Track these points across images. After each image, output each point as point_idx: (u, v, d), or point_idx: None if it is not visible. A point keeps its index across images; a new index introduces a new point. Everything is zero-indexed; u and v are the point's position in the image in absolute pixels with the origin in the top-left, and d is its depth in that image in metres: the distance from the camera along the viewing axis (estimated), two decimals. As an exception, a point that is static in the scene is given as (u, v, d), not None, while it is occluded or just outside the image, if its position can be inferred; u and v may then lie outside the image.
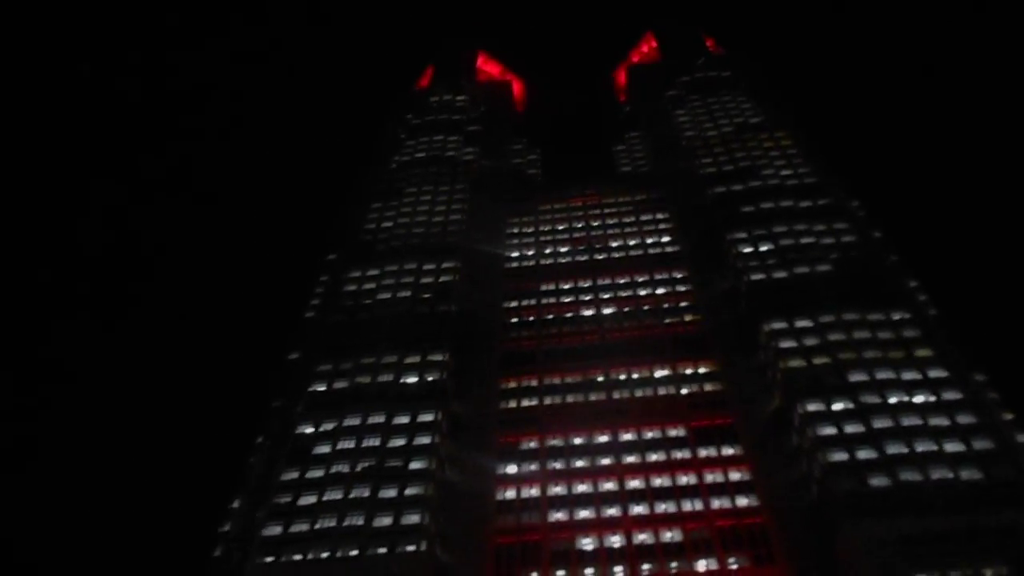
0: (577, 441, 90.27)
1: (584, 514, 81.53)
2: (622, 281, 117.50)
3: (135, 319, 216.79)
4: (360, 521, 76.42)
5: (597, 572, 75.40)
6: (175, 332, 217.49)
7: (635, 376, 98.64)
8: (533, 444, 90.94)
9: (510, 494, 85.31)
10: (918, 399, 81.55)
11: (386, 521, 76.14)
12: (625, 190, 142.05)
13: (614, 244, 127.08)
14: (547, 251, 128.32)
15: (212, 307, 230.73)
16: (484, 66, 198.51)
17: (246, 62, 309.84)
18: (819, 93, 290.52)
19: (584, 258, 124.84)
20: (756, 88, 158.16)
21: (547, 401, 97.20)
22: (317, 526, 76.28)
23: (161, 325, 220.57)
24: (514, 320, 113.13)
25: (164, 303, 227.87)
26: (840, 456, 76.30)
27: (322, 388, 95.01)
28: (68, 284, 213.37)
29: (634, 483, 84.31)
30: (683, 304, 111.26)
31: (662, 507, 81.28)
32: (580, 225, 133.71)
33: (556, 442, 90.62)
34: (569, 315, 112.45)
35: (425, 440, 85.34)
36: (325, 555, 73.38)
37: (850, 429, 79.08)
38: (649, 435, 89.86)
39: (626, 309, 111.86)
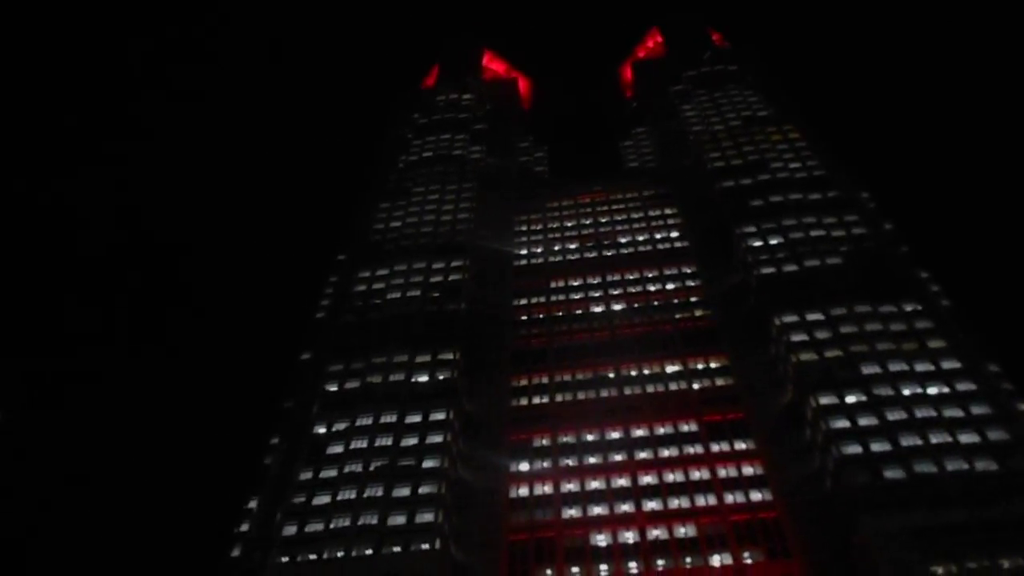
0: (589, 438, 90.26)
1: (597, 510, 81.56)
2: (631, 277, 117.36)
3: (149, 322, 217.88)
4: (374, 520, 76.65)
5: (611, 568, 75.44)
6: (188, 334, 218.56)
7: (646, 372, 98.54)
8: (545, 441, 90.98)
9: (523, 491, 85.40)
10: (932, 390, 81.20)
11: (400, 520, 76.44)
12: (633, 186, 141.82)
13: (623, 240, 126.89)
14: (556, 248, 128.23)
15: (223, 309, 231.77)
16: (490, 64, 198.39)
17: (253, 65, 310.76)
18: (826, 85, 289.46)
19: (593, 255, 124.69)
20: (763, 81, 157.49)
21: (558, 398, 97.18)
22: (332, 525, 76.59)
23: (174, 328, 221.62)
24: (524, 318, 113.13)
25: (176, 306, 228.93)
26: (854, 449, 76.09)
27: (334, 388, 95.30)
28: (83, 286, 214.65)
29: (647, 479, 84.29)
30: (693, 299, 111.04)
31: (676, 502, 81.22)
32: (588, 222, 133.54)
33: (568, 439, 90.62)
34: (579, 312, 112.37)
35: (437, 439, 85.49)
36: (340, 554, 73.61)
37: (864, 422, 78.83)
38: (661, 431, 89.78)
39: (636, 305, 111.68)
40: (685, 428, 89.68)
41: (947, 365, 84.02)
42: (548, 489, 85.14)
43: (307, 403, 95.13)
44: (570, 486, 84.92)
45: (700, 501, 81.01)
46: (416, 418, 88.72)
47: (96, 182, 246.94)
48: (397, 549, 73.54)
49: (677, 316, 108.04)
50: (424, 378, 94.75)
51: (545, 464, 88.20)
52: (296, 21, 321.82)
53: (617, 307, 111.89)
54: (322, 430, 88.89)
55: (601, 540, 78.33)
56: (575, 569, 75.92)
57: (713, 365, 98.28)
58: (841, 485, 73.94)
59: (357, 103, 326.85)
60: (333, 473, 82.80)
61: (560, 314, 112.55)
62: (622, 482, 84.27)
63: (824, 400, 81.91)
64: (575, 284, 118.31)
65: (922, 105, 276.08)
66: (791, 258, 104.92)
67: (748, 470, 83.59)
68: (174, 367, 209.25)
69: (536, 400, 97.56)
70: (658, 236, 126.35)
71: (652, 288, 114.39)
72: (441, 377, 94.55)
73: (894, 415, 78.87)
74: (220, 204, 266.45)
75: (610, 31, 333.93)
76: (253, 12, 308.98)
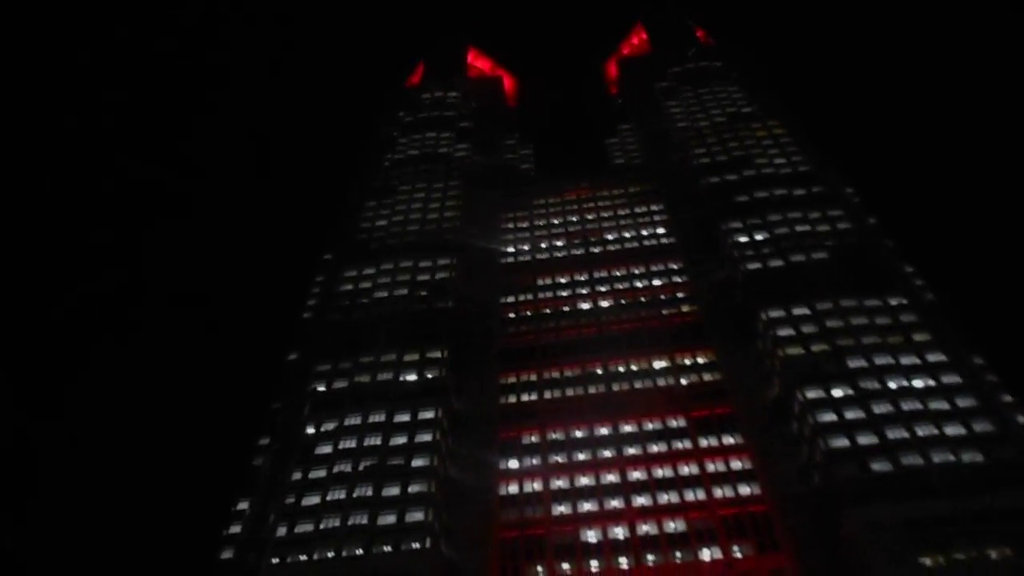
0: (578, 434, 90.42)
1: (587, 507, 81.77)
2: (618, 273, 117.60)
3: (134, 323, 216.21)
4: (364, 520, 76.43)
5: (602, 564, 75.62)
6: (174, 335, 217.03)
7: (634, 368, 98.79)
8: (534, 438, 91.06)
9: (513, 489, 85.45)
10: (918, 383, 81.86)
11: (390, 519, 76.24)
12: (619, 182, 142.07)
13: (609, 237, 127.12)
14: (543, 245, 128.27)
15: (210, 309, 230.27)
16: (475, 62, 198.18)
17: (238, 64, 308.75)
18: (811, 81, 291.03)
19: (580, 251, 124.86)
20: (747, 78, 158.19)
21: (547, 395, 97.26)
22: (322, 526, 76.29)
23: (159, 329, 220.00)
24: (511, 315, 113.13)
25: (161, 306, 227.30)
26: (841, 442, 76.62)
27: (322, 388, 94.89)
28: (70, 283, 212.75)
29: (636, 475, 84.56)
30: (680, 295, 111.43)
31: (665, 498, 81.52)
32: (575, 219, 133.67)
33: (557, 436, 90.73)
34: (566, 309, 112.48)
35: (426, 437, 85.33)
36: (331, 554, 73.35)
37: (850, 415, 79.39)
38: (650, 426, 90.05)
39: (623, 301, 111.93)
40: (673, 424, 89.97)
41: (932, 358, 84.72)
42: (538, 486, 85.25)
43: (295, 404, 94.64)
44: (559, 483, 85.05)
45: (689, 496, 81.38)
46: (405, 417, 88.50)
47: (85, 179, 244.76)
48: (388, 548, 73.36)
49: (664, 312, 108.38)
50: (412, 377, 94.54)
51: (534, 461, 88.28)
52: (281, 21, 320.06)
53: (604, 304, 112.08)
54: (311, 430, 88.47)
55: (591, 536, 78.53)
56: (565, 565, 76.08)
57: (700, 360, 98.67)
58: (829, 478, 74.42)
59: (342, 102, 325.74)
60: (322, 473, 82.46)
61: (548, 311, 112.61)
62: (611, 478, 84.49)
63: (811, 394, 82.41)
64: (562, 281, 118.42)
65: (905, 100, 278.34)
66: (777, 253, 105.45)
67: (736, 464, 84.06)
68: (160, 368, 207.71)
69: (525, 397, 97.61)
70: (644, 232, 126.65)
71: (639, 284, 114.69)
72: (429, 376, 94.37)
73: (880, 408, 79.46)
74: (206, 204, 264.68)
75: (595, 28, 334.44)
76: (238, 13, 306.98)
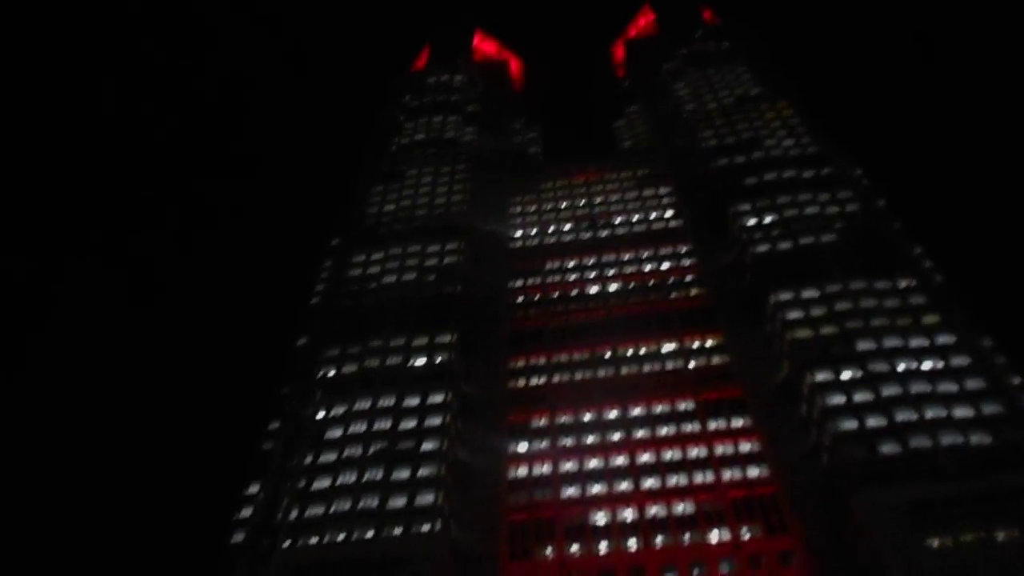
0: (587, 417, 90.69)
1: (596, 489, 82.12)
2: (626, 257, 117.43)
3: (140, 308, 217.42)
4: (375, 503, 77.09)
5: (611, 546, 76.10)
6: (183, 321, 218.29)
7: (642, 351, 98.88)
8: (543, 422, 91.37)
9: (522, 472, 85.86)
10: (926, 366, 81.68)
11: (400, 502, 76.80)
12: (627, 165, 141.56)
13: (617, 220, 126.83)
14: (551, 229, 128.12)
15: (219, 295, 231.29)
16: (480, 45, 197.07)
17: (243, 50, 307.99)
18: (819, 62, 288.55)
19: (588, 235, 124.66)
20: (755, 59, 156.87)
21: (556, 379, 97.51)
22: (333, 509, 76.95)
23: (168, 314, 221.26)
24: (520, 299, 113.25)
25: (171, 292, 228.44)
26: (850, 425, 76.65)
27: (331, 373, 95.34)
28: (77, 268, 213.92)
29: (645, 457, 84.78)
30: (688, 278, 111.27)
31: (673, 480, 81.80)
32: (583, 202, 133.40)
33: (566, 419, 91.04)
34: (575, 292, 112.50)
35: (436, 421, 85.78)
36: (341, 537, 74.05)
37: (859, 398, 79.34)
38: (658, 409, 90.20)
39: (631, 285, 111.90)
40: (682, 406, 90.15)
41: (942, 340, 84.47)
42: (547, 469, 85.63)
43: (305, 388, 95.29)
44: (568, 466, 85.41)
45: (698, 478, 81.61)
46: (414, 401, 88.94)
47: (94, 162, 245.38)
48: (398, 531, 73.99)
49: (672, 295, 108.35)
50: (421, 361, 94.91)
51: (543, 444, 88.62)
52: (287, 6, 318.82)
53: (613, 287, 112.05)
54: (320, 415, 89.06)
55: (600, 518, 78.95)
56: (575, 547, 76.58)
57: (709, 343, 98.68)
58: (837, 460, 74.56)
59: (348, 87, 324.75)
60: (332, 457, 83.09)
61: (556, 295, 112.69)
62: (620, 461, 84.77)
63: (820, 377, 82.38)
64: (570, 265, 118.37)
65: (914, 81, 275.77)
66: (786, 236, 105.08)
67: (745, 447, 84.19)
68: (170, 352, 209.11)
69: (534, 381, 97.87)
70: (652, 216, 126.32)
71: (647, 268, 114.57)
72: (438, 360, 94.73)
73: (889, 391, 79.37)
74: (213, 191, 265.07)
75: (601, 10, 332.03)
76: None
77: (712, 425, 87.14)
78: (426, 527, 73.95)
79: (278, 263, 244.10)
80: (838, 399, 79.61)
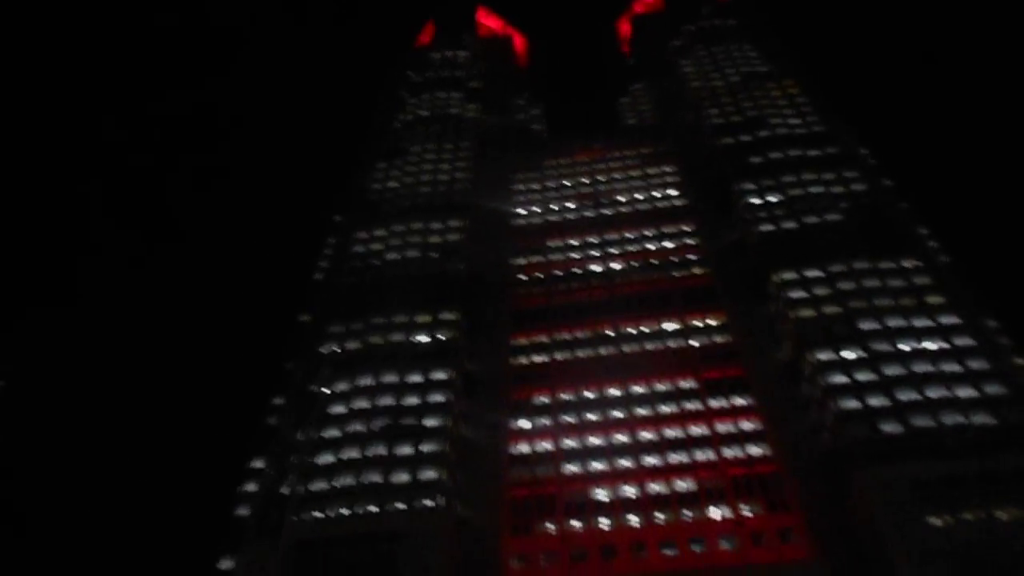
0: (589, 395, 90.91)
1: (598, 466, 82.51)
2: (630, 235, 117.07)
3: (146, 286, 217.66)
4: (378, 478, 77.55)
5: (612, 522, 76.60)
6: (187, 297, 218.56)
7: (645, 330, 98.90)
8: (545, 399, 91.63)
9: (524, 448, 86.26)
10: (930, 346, 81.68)
11: (404, 478, 77.26)
12: (631, 143, 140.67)
13: (621, 198, 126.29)
14: (554, 207, 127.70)
15: (222, 272, 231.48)
16: (484, 20, 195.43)
17: (247, 25, 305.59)
18: (826, 40, 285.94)
19: (591, 213, 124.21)
20: (762, 36, 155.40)
21: (558, 356, 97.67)
22: (336, 484, 77.42)
23: (173, 291, 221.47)
24: (523, 277, 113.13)
25: (173, 267, 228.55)
26: (852, 404, 76.80)
27: (335, 349, 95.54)
28: (82, 243, 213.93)
29: (646, 435, 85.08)
30: (691, 257, 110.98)
31: (675, 457, 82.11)
32: (586, 180, 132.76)
33: (568, 396, 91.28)
34: (578, 271, 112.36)
35: (439, 398, 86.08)
36: (345, 512, 74.55)
37: (861, 377, 79.43)
38: (660, 387, 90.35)
39: (634, 263, 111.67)
40: (684, 385, 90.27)
41: (945, 321, 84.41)
42: (549, 446, 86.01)
43: (308, 364, 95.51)
44: (570, 442, 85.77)
45: (699, 456, 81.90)
46: (417, 378, 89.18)
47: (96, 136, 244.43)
48: (401, 506, 74.47)
49: (676, 274, 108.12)
50: (424, 338, 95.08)
51: (545, 421, 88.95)
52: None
53: (616, 265, 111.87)
54: (324, 391, 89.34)
55: (601, 495, 79.41)
56: (576, 523, 77.11)
57: (712, 322, 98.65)
58: (839, 439, 74.83)
59: (351, 62, 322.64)
60: (336, 433, 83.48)
61: (559, 273, 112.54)
62: (622, 438, 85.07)
63: (822, 356, 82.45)
64: (574, 243, 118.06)
65: (921, 60, 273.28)
66: (790, 215, 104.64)
67: (746, 425, 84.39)
68: (175, 330, 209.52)
69: (536, 359, 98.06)
70: (656, 194, 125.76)
71: (651, 246, 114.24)
72: (442, 337, 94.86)
73: (892, 370, 79.45)
74: (216, 166, 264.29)
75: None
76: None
77: (713, 403, 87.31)
78: (429, 502, 74.46)
79: (281, 239, 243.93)
80: (840, 378, 79.72)
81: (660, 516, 76.44)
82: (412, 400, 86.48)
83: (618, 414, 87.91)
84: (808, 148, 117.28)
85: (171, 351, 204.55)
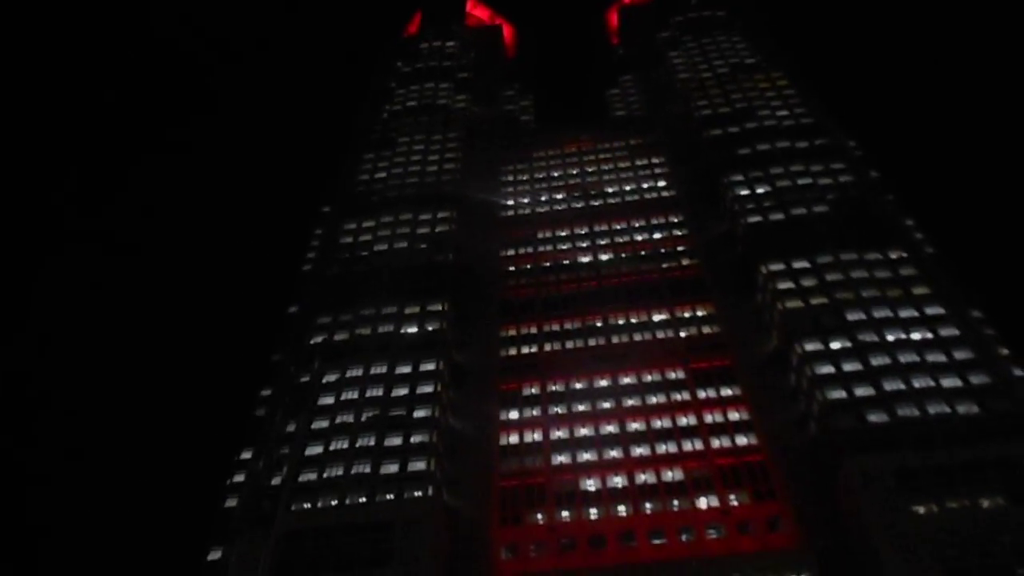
0: (578, 386, 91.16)
1: (586, 456, 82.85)
2: (618, 227, 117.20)
3: (133, 277, 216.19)
4: (367, 469, 77.53)
5: (600, 512, 76.94)
6: (176, 289, 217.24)
7: (633, 320, 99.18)
8: (534, 390, 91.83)
9: (513, 439, 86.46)
10: (915, 336, 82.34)
11: (393, 468, 77.31)
12: (620, 135, 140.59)
13: (610, 190, 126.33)
14: (543, 198, 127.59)
15: (211, 263, 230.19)
16: (473, 10, 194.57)
17: (235, 17, 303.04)
18: (815, 32, 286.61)
19: (580, 204, 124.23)
20: (751, 28, 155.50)
21: (547, 347, 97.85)
22: (326, 475, 77.35)
23: (161, 283, 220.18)
24: (512, 268, 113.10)
25: (161, 258, 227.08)
26: (838, 394, 77.34)
27: (323, 340, 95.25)
28: (64, 232, 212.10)
29: (635, 425, 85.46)
30: (680, 248, 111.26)
31: (663, 448, 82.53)
32: (575, 171, 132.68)
33: (557, 387, 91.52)
34: (566, 262, 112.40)
35: (428, 389, 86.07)
36: (334, 503, 74.52)
37: (848, 367, 79.99)
38: (649, 378, 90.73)
39: (623, 254, 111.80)
40: (672, 375, 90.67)
41: (931, 311, 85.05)
42: (538, 436, 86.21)
43: (296, 356, 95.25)
44: (559, 433, 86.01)
45: (687, 446, 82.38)
46: (406, 369, 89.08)
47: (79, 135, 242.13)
48: (390, 497, 74.51)
49: (664, 265, 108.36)
50: (413, 329, 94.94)
51: (534, 412, 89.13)
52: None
53: (604, 257, 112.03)
54: (313, 382, 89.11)
55: (590, 485, 79.74)
56: (565, 513, 77.41)
57: (700, 313, 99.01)
58: (826, 429, 75.38)
59: (339, 52, 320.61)
60: (325, 424, 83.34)
61: (548, 264, 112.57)
62: (610, 429, 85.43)
63: (809, 346, 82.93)
64: (562, 234, 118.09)
65: (910, 53, 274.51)
66: (778, 206, 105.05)
67: (734, 415, 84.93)
68: (163, 322, 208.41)
69: (525, 349, 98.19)
70: (645, 185, 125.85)
71: (639, 237, 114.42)
72: (430, 328, 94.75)
73: (878, 360, 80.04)
74: (203, 158, 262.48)
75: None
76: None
77: (702, 394, 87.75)
78: (418, 493, 74.50)
79: (269, 230, 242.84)
80: (827, 368, 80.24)
81: (648, 506, 76.91)
82: (401, 391, 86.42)
83: (607, 405, 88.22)
84: (796, 140, 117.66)
85: (158, 342, 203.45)
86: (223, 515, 79.63)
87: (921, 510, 65.38)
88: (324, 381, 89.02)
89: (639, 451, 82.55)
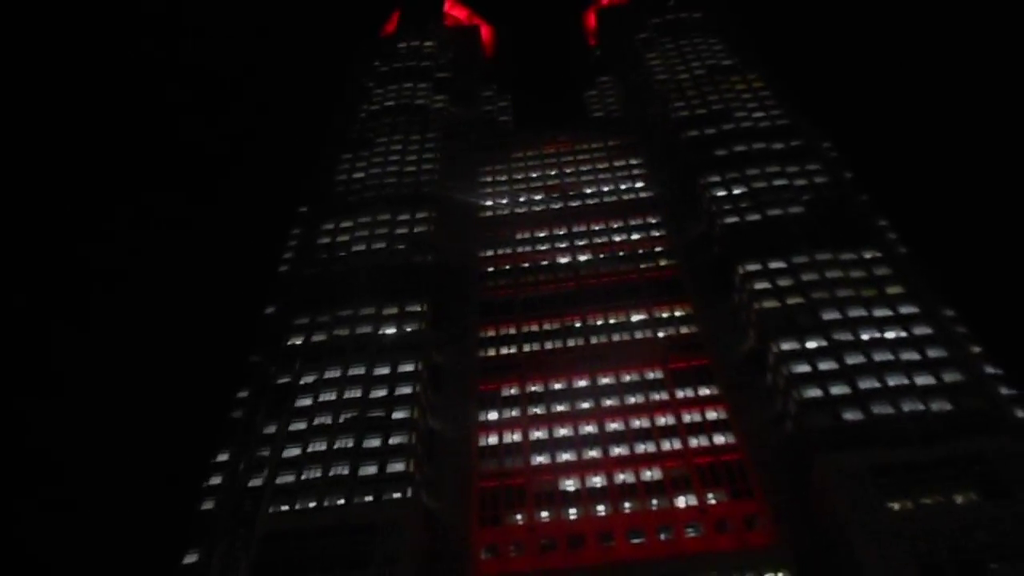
0: (557, 386, 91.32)
1: (566, 457, 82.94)
2: (597, 227, 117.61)
3: (107, 277, 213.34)
4: (346, 471, 77.07)
5: (580, 512, 77.08)
6: (151, 288, 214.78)
7: (612, 321, 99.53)
8: (514, 391, 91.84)
9: (492, 440, 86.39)
10: (889, 335, 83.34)
11: (371, 470, 76.86)
12: (598, 136, 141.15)
13: (588, 191, 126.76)
14: (521, 199, 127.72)
15: (186, 264, 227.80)
16: (451, 11, 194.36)
17: (212, 14, 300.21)
18: (790, 34, 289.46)
19: (558, 205, 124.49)
20: (727, 29, 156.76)
21: (526, 348, 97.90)
22: (304, 477, 76.79)
23: (134, 282, 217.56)
24: (490, 269, 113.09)
25: (134, 259, 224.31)
26: (814, 392, 78.07)
27: (300, 342, 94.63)
28: (50, 247, 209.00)
29: (614, 425, 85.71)
30: (658, 249, 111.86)
31: (641, 447, 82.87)
32: (553, 172, 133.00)
33: (536, 388, 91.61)
34: (545, 263, 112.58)
35: (406, 390, 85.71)
36: (312, 505, 74.03)
37: (823, 366, 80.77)
38: (627, 378, 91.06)
39: (602, 255, 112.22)
40: (651, 375, 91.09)
41: (904, 310, 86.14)
42: (517, 437, 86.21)
43: (274, 357, 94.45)
44: (538, 434, 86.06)
45: (665, 446, 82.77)
46: (384, 370, 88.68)
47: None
48: (369, 498, 74.10)
49: (642, 266, 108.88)
50: (392, 330, 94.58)
51: (514, 413, 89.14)
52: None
53: (583, 257, 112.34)
54: (290, 383, 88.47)
55: (569, 485, 79.86)
56: (544, 513, 77.45)
57: (678, 313, 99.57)
58: (802, 427, 76.08)
59: (316, 51, 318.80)
60: (302, 426, 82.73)
61: (526, 265, 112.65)
62: (589, 429, 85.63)
63: (785, 346, 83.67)
64: (541, 235, 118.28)
65: (883, 53, 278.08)
66: (754, 207, 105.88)
67: (712, 415, 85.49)
68: (138, 321, 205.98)
69: (504, 350, 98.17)
70: (623, 186, 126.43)
71: (617, 238, 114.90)
72: (409, 329, 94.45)
73: (853, 359, 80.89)
74: (179, 156, 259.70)
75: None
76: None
77: (680, 394, 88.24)
78: (397, 494, 74.17)
79: (246, 230, 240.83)
80: (803, 367, 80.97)
81: (627, 505, 77.15)
82: (380, 392, 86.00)
83: (586, 405, 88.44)
84: (772, 141, 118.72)
85: (132, 342, 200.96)
86: (199, 517, 78.75)
87: (896, 506, 66.12)
88: (302, 382, 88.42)
89: (618, 451, 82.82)
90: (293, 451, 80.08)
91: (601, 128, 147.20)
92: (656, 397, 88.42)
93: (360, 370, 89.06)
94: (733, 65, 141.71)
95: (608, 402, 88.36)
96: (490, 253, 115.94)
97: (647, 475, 79.89)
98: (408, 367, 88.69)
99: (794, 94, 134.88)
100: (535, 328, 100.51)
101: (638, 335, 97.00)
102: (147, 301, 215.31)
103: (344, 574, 66.82)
